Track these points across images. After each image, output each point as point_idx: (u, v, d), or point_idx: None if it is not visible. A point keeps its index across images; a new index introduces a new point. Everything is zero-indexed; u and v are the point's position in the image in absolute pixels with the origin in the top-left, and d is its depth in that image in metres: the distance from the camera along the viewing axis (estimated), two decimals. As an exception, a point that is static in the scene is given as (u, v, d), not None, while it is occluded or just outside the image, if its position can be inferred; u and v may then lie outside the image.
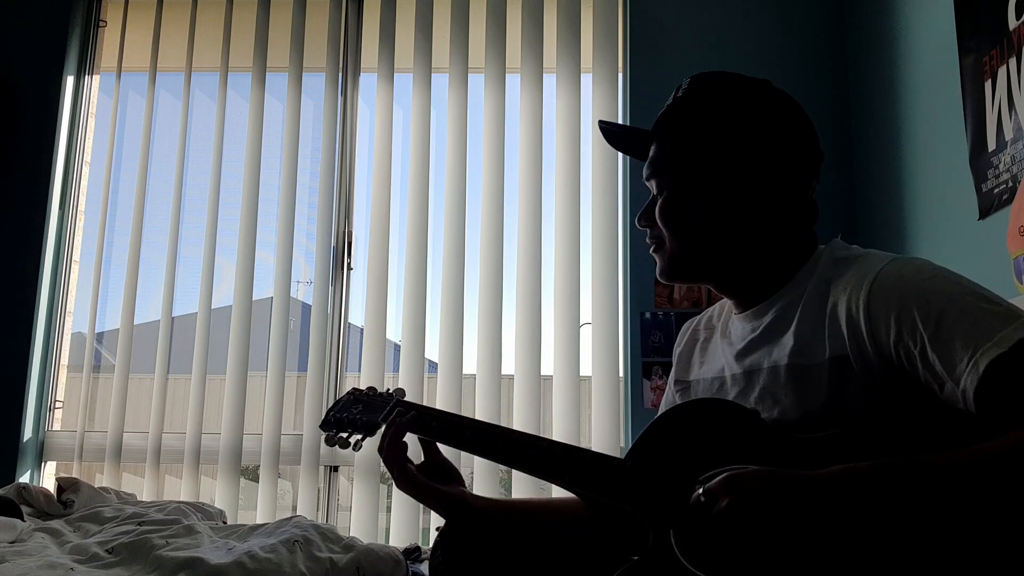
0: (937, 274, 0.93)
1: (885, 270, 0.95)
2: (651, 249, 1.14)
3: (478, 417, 2.57)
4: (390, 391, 1.33)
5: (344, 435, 1.28)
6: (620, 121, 2.75)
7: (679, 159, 1.09)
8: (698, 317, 1.27)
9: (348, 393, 1.37)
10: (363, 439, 1.28)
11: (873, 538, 0.81)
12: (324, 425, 1.32)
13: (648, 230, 1.14)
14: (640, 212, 1.14)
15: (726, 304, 1.20)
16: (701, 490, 0.88)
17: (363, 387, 1.37)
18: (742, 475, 0.86)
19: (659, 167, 1.12)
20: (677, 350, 1.27)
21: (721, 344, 1.16)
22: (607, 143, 1.21)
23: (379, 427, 1.25)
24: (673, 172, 1.09)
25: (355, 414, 1.29)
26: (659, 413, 1.28)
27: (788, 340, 1.02)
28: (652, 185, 1.13)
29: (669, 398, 1.28)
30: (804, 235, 1.09)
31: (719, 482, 0.86)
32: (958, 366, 0.85)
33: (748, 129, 1.07)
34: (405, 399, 1.30)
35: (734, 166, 1.06)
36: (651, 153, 1.13)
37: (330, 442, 1.28)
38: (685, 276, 1.13)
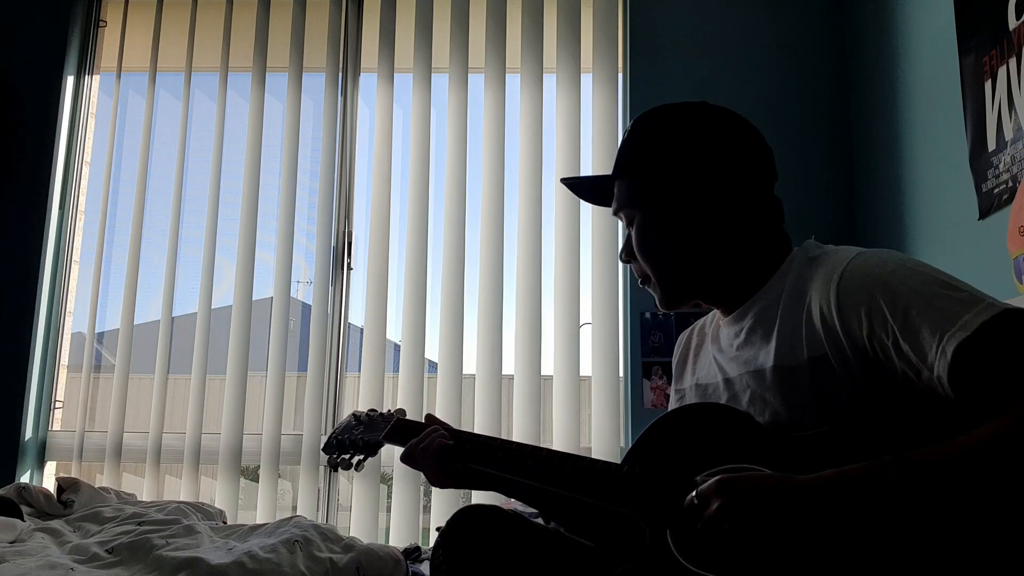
0: (901, 265, 0.94)
1: (850, 266, 0.97)
2: (640, 283, 1.19)
3: (478, 418, 2.59)
4: (391, 411, 1.37)
5: (347, 456, 1.34)
6: (620, 122, 2.76)
7: (640, 190, 1.13)
8: (692, 327, 1.31)
9: (349, 416, 1.42)
10: (365, 459, 1.35)
11: (867, 538, 0.82)
12: (327, 448, 1.39)
13: (632, 264, 1.18)
14: (621, 248, 1.19)
15: (716, 310, 1.22)
16: (695, 493, 0.88)
17: (365, 398, 1.42)
18: (735, 479, 0.86)
19: (623, 200, 1.16)
20: (675, 361, 1.31)
21: (712, 350, 1.19)
22: (578, 198, 1.30)
23: (380, 446, 1.33)
24: (637, 203, 1.13)
25: (356, 435, 1.35)
26: None
27: (772, 343, 1.04)
28: (622, 218, 1.17)
29: (672, 407, 1.29)
30: (775, 236, 1.12)
31: (712, 485, 0.87)
32: (929, 354, 0.87)
33: (696, 147, 1.10)
34: (406, 418, 1.34)
35: (691, 185, 1.09)
36: (615, 191, 1.17)
37: (333, 464, 1.34)
38: (679, 302, 1.17)
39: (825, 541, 0.82)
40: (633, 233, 1.14)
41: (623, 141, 1.18)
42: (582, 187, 1.26)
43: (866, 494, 0.81)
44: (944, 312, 0.87)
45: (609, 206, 1.21)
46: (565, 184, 1.24)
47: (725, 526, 0.84)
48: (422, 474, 1.25)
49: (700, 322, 1.29)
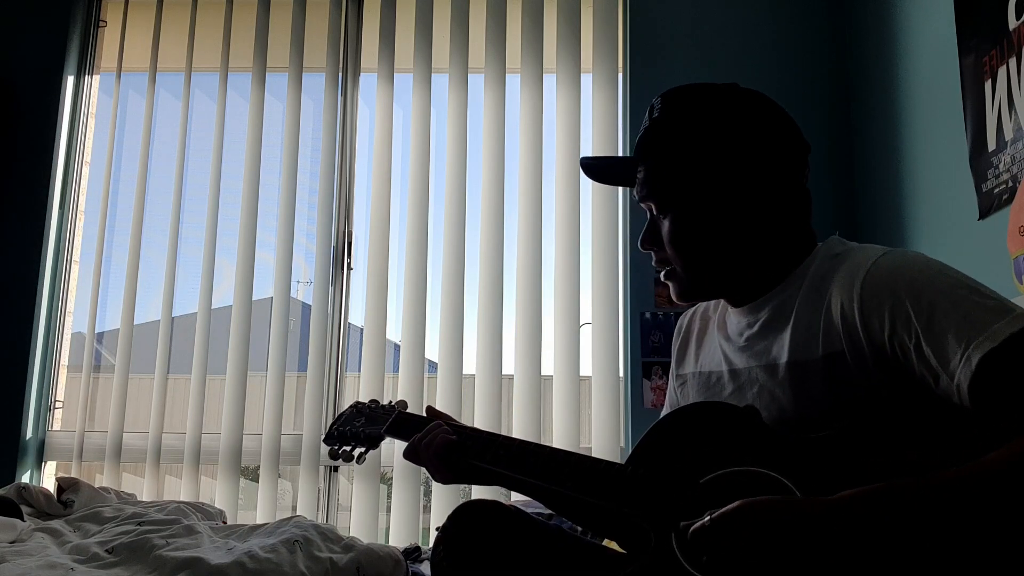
0: (929, 266, 0.92)
1: (877, 263, 0.95)
2: (663, 276, 1.13)
3: (478, 418, 2.59)
4: (392, 403, 1.36)
5: (348, 448, 1.33)
6: (620, 122, 2.76)
7: (670, 177, 1.08)
8: (692, 309, 1.27)
9: (351, 406, 1.40)
10: (366, 451, 1.33)
11: (883, 557, 0.80)
12: (328, 439, 1.37)
13: (652, 253, 1.12)
14: (642, 235, 1.12)
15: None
16: (708, 519, 0.85)
17: (365, 398, 1.40)
18: (754, 506, 0.83)
19: (652, 187, 1.09)
20: (675, 344, 1.27)
21: (718, 337, 1.16)
22: (592, 180, 1.21)
23: (382, 439, 1.30)
24: (668, 191, 1.08)
25: (358, 427, 1.33)
26: (663, 410, 1.29)
27: (786, 337, 1.02)
28: (651, 207, 1.11)
29: (671, 394, 1.28)
30: (801, 229, 1.08)
31: (731, 511, 0.84)
32: (952, 360, 0.85)
33: (732, 133, 1.05)
34: (408, 411, 1.32)
35: (727, 172, 1.05)
36: (640, 176, 1.11)
37: (334, 455, 1.33)
38: (701, 296, 1.14)
39: (842, 560, 0.81)
40: (666, 223, 1.08)
41: (652, 120, 1.10)
42: (598, 169, 1.20)
43: (885, 516, 0.79)
44: (971, 318, 0.85)
45: (627, 186, 1.15)
46: (583, 166, 1.18)
47: (744, 555, 0.82)
48: (422, 473, 1.25)
49: (702, 306, 1.24)
